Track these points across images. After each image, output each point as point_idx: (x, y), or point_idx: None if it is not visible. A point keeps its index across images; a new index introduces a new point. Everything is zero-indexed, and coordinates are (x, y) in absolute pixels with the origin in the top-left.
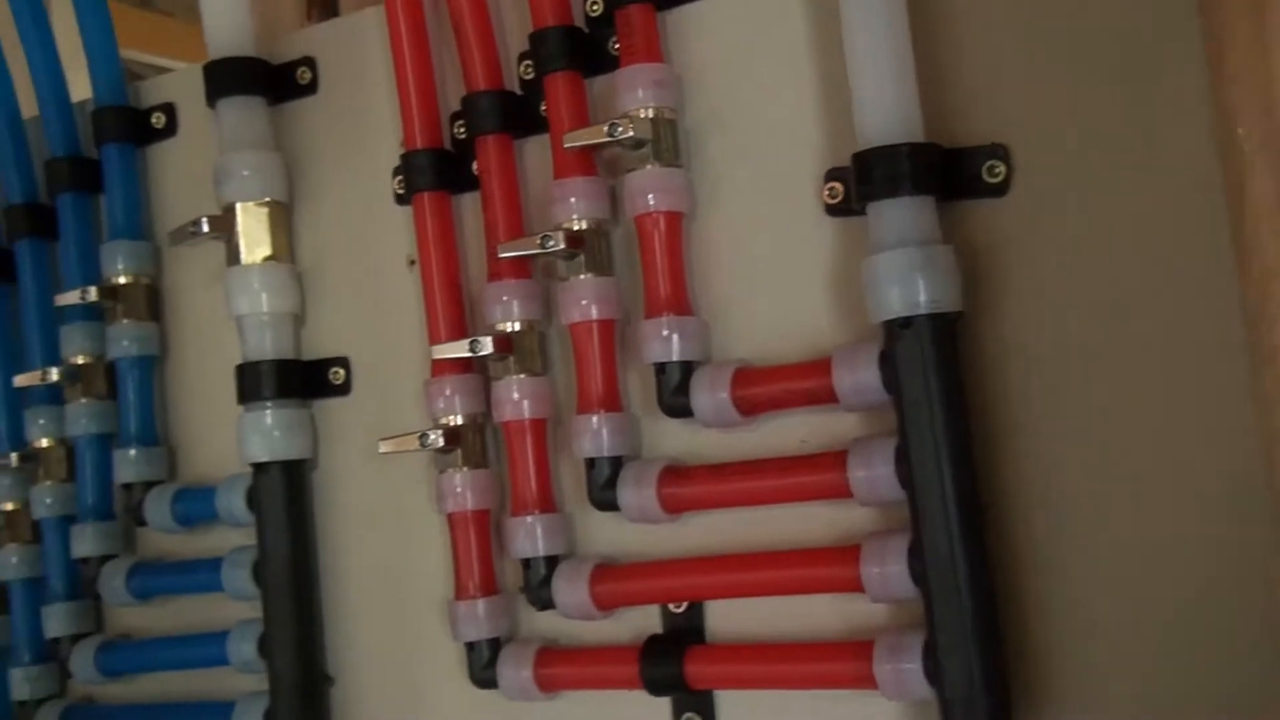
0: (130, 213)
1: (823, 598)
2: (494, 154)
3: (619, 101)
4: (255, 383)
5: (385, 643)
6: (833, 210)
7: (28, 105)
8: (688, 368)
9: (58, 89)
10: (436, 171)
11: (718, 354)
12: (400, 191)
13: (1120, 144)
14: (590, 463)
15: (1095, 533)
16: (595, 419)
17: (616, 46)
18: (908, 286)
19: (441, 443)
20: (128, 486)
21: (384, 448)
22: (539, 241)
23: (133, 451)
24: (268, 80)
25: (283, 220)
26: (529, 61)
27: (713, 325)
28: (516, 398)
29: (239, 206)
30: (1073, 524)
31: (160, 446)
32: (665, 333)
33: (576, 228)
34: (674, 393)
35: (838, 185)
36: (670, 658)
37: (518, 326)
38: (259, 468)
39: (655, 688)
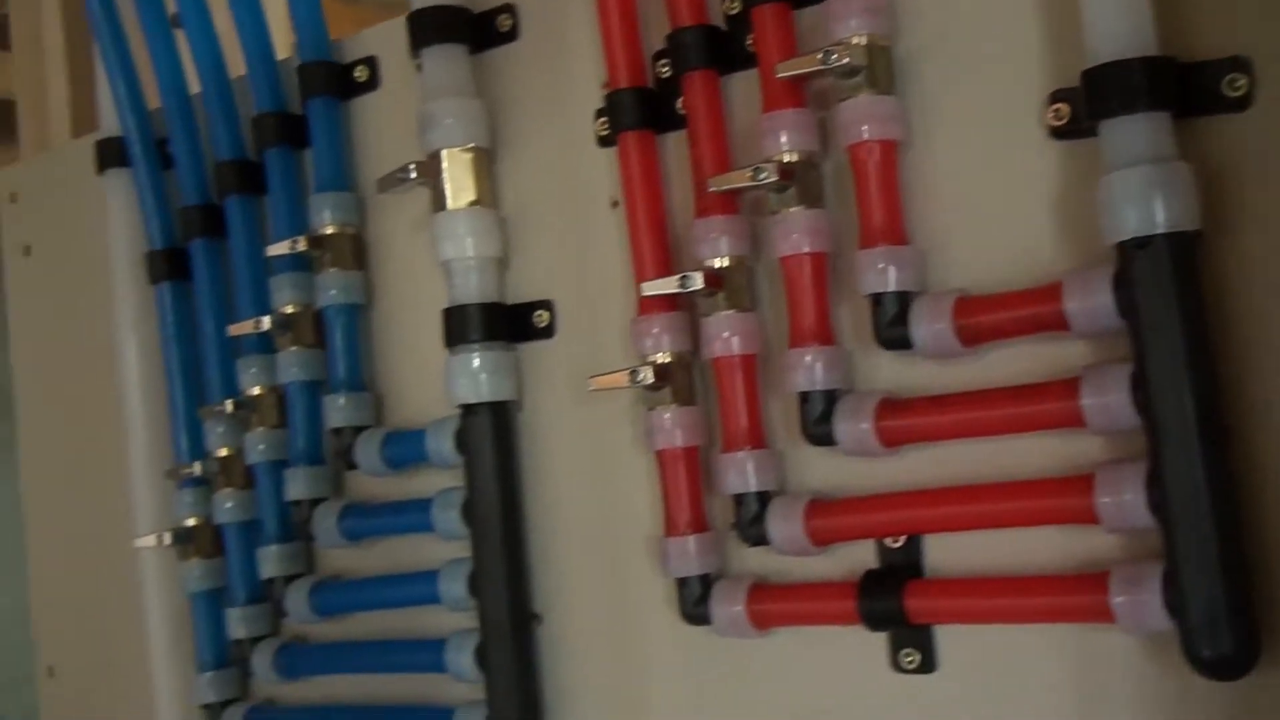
0: (335, 165)
1: (1048, 530)
2: (700, 90)
3: (831, 30)
4: (462, 325)
5: (593, 581)
6: (1057, 133)
7: (234, 65)
8: (904, 298)
9: (264, 47)
10: (641, 110)
11: (934, 285)
12: (603, 133)
13: None
14: (804, 397)
15: None
16: (808, 353)
17: None
18: (1145, 205)
19: (651, 379)
20: (337, 431)
21: (593, 385)
22: (750, 174)
23: (341, 397)
24: (469, 28)
25: (486, 166)
26: None
27: (929, 256)
28: (726, 334)
29: (444, 153)
30: None
31: (368, 392)
32: (881, 264)
33: (788, 159)
34: (890, 324)
35: (1063, 106)
36: (890, 592)
37: (727, 262)
38: (467, 409)
39: (873, 622)
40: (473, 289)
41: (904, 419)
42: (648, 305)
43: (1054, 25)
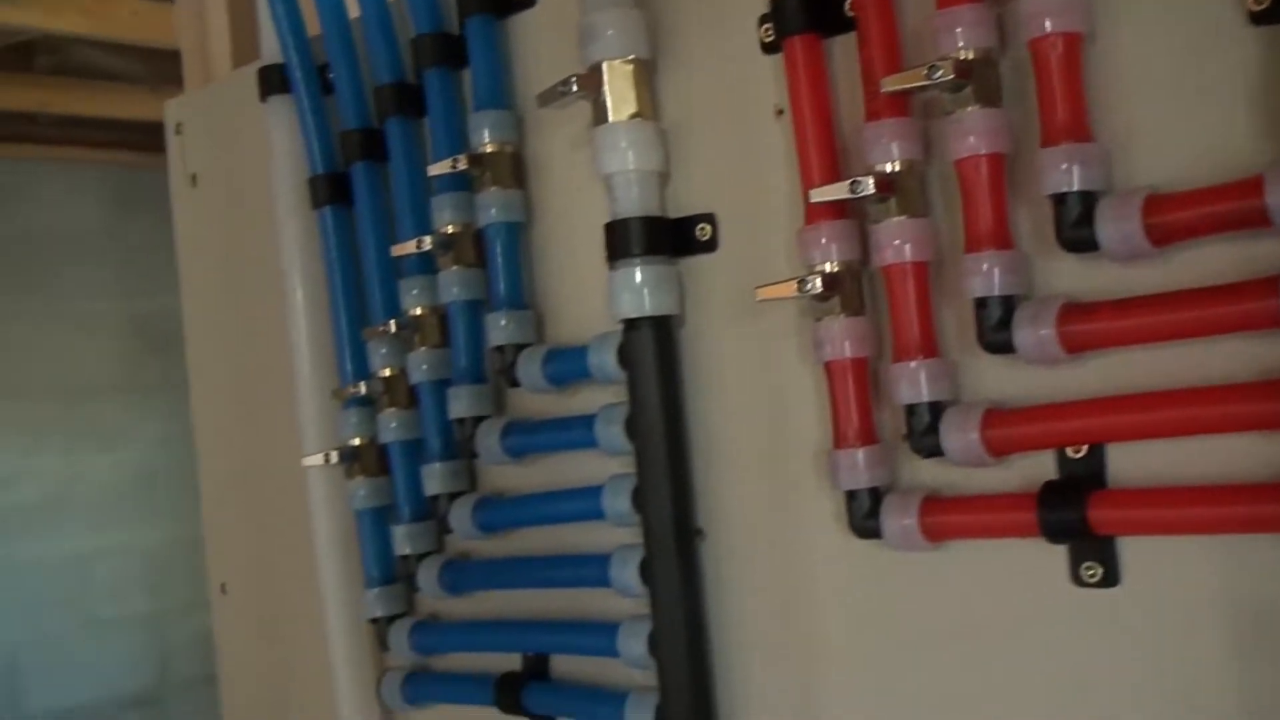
0: (494, 83)
1: (1244, 438)
2: None
3: None
4: (624, 240)
5: (757, 496)
6: (1258, 18)
7: None
8: (1089, 198)
9: None
10: (808, 13)
11: (1120, 184)
12: (768, 39)
13: None
14: (980, 303)
15: None
16: (985, 258)
17: None
18: None
19: (819, 288)
20: (499, 349)
21: (760, 295)
22: (925, 73)
23: (503, 315)
24: None
25: (647, 78)
26: None
27: (1114, 153)
28: (898, 240)
29: (605, 65)
30: None
31: (529, 310)
32: (1065, 162)
33: (964, 57)
34: (1074, 225)
35: None
36: (1072, 502)
37: (899, 166)
38: (629, 324)
39: (1054, 534)
40: (634, 203)
41: (1088, 324)
42: (815, 214)
43: None
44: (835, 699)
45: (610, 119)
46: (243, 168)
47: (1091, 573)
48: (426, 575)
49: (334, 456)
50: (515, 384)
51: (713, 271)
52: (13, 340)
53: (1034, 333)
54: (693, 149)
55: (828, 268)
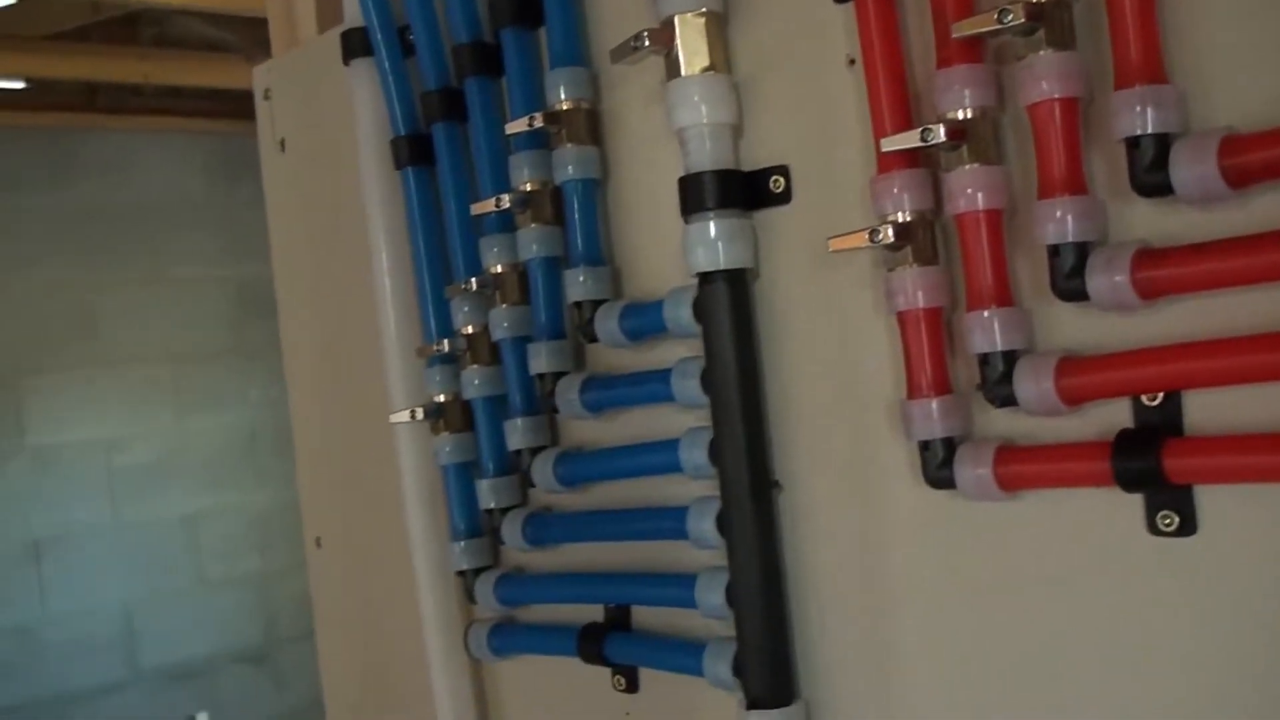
0: (569, 41)
1: None
2: None
3: None
4: (698, 193)
5: (833, 447)
6: None
7: None
8: (1164, 141)
9: None
10: None
11: (1197, 125)
12: None
13: None
14: (1054, 250)
15: None
16: (1059, 204)
17: None
18: None
19: (892, 238)
20: (578, 305)
21: (832, 246)
22: (996, 17)
23: (581, 272)
24: None
25: (719, 31)
26: None
27: (1190, 94)
28: (970, 188)
29: (676, 19)
30: None
31: (606, 265)
32: (1138, 104)
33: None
34: (1149, 169)
35: None
36: (1148, 450)
37: (970, 114)
38: (704, 278)
39: (1129, 483)
40: (707, 156)
41: (1163, 269)
42: (887, 163)
43: None
44: (909, 647)
45: (683, 73)
46: (328, 131)
47: (1168, 521)
48: (510, 528)
49: (420, 413)
50: (593, 339)
51: (786, 224)
52: (123, 307)
53: (1108, 279)
54: (765, 101)
55: (900, 217)
